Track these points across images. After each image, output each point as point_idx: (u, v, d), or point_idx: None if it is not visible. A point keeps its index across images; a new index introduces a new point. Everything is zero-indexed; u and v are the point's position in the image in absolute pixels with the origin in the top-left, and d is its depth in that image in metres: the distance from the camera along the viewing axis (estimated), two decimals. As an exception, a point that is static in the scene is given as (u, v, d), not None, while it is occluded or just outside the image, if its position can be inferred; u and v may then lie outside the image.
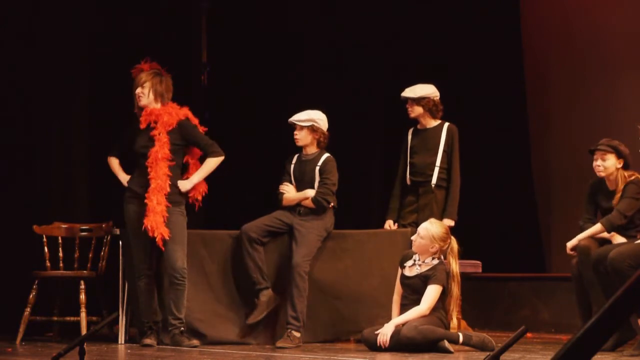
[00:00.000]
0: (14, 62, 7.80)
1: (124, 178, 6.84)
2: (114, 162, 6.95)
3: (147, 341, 6.60)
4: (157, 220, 6.53)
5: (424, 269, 6.29)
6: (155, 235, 6.52)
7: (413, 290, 6.30)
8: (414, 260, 6.35)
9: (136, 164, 6.77)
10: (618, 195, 6.35)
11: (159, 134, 6.64)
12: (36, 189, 7.87)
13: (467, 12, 9.38)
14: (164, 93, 6.75)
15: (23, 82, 7.85)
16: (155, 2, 8.63)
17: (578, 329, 7.00)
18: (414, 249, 6.36)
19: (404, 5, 9.40)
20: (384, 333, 6.13)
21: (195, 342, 6.58)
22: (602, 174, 6.41)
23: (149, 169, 6.62)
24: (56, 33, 7.96)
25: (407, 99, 7.27)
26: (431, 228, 6.33)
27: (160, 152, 6.61)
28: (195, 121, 6.80)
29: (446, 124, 7.31)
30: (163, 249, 6.56)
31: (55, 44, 7.94)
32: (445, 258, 6.40)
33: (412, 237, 6.38)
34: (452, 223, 7.14)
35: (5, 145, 7.75)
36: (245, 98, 9.05)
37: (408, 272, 6.35)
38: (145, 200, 6.57)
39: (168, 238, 6.54)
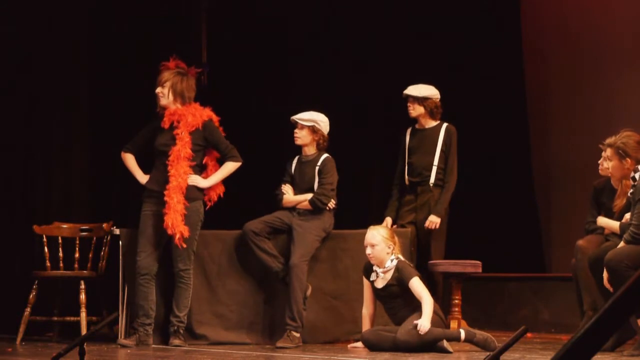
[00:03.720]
0: (13, 62, 7.80)
1: (141, 177, 6.84)
2: (130, 159, 6.93)
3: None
4: (177, 218, 6.55)
5: (389, 275, 6.28)
6: (175, 233, 6.54)
7: (393, 297, 6.28)
8: (376, 273, 6.32)
9: (155, 161, 6.79)
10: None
11: (182, 133, 6.66)
12: (36, 189, 7.88)
13: (467, 12, 9.37)
14: (185, 92, 6.75)
15: (23, 82, 7.85)
16: (155, 2, 8.63)
17: (578, 329, 6.98)
18: (373, 261, 6.29)
19: (404, 5, 9.39)
20: (423, 325, 6.01)
21: (179, 342, 6.59)
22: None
23: (169, 167, 6.65)
24: (56, 33, 7.96)
25: (409, 97, 7.26)
26: (378, 232, 6.30)
27: (182, 151, 6.64)
28: (217, 122, 6.82)
29: (444, 125, 7.32)
30: (181, 248, 6.59)
31: (55, 44, 7.94)
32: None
33: (367, 251, 6.29)
34: (437, 220, 7.12)
35: (5, 145, 7.75)
36: (245, 98, 9.04)
37: (378, 285, 6.34)
38: (165, 198, 6.59)
39: (187, 236, 6.57)
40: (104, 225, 7.29)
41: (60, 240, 7.30)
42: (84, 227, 7.40)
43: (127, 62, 8.21)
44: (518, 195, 9.42)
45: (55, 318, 7.26)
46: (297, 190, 6.94)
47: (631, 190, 6.03)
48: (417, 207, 7.24)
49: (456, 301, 7.01)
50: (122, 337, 6.73)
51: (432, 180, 7.24)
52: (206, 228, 6.93)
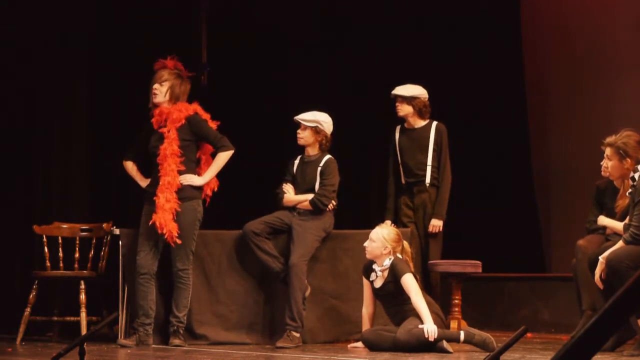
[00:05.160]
0: (14, 62, 7.80)
1: (143, 182, 6.86)
2: (131, 166, 6.95)
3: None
4: (165, 217, 6.55)
5: (386, 273, 6.29)
6: (164, 232, 6.54)
7: (391, 296, 6.30)
8: (375, 272, 6.35)
9: (151, 164, 6.80)
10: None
11: (168, 131, 6.66)
12: (36, 189, 7.88)
13: (467, 12, 9.37)
14: (180, 96, 6.77)
15: (23, 83, 7.85)
16: (156, 2, 8.63)
17: (577, 328, 6.97)
18: (367, 255, 6.35)
19: (404, 5, 9.39)
20: (431, 330, 6.01)
21: (179, 342, 6.60)
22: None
23: (159, 167, 6.64)
24: (56, 33, 7.96)
25: (397, 97, 7.28)
26: (382, 231, 6.33)
27: (168, 149, 6.63)
28: (205, 116, 6.81)
29: (434, 123, 7.33)
30: (173, 245, 6.60)
31: (55, 44, 7.94)
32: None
33: (365, 244, 6.36)
34: (440, 223, 7.17)
35: (5, 145, 7.75)
36: (245, 98, 9.04)
37: (377, 285, 6.36)
38: (154, 198, 6.59)
39: (177, 234, 6.57)
40: (104, 225, 7.29)
41: (60, 240, 7.30)
42: (84, 227, 7.40)
43: (127, 62, 8.21)
44: (518, 195, 9.42)
45: (55, 318, 7.26)
46: (298, 190, 6.94)
47: (630, 191, 6.02)
48: (414, 207, 7.26)
49: (456, 301, 7.01)
50: (122, 337, 6.73)
51: (427, 180, 7.25)
52: (206, 228, 6.93)
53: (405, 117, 7.32)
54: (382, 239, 6.28)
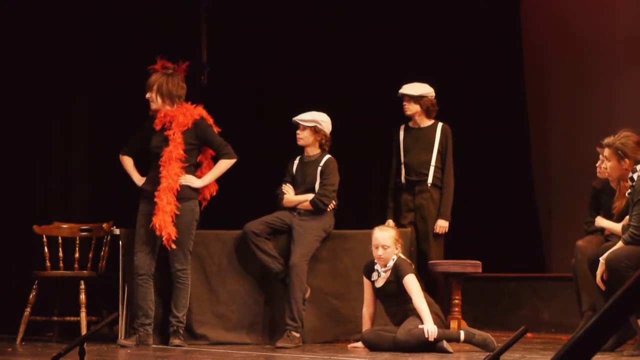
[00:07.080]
0: (14, 62, 7.80)
1: (138, 179, 6.86)
2: (128, 162, 6.94)
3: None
4: (165, 219, 6.55)
5: (389, 273, 6.29)
6: (163, 234, 6.54)
7: (392, 296, 6.29)
8: (377, 272, 6.34)
9: (151, 163, 6.79)
10: None
11: (174, 134, 6.66)
12: (36, 189, 7.88)
13: (467, 11, 9.37)
14: (172, 92, 6.73)
15: (23, 83, 7.85)
16: (155, 2, 8.63)
17: (577, 329, 6.97)
18: (380, 262, 6.30)
19: (405, 4, 9.39)
20: (431, 330, 6.02)
21: (179, 342, 6.60)
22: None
23: (161, 168, 6.64)
24: (56, 33, 7.96)
25: (404, 96, 7.27)
26: (388, 234, 6.30)
27: (174, 152, 6.63)
28: (210, 120, 6.81)
29: (440, 124, 7.32)
30: (169, 248, 6.59)
31: (55, 44, 7.94)
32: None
33: (379, 253, 6.28)
34: (446, 224, 7.18)
35: (5, 145, 7.75)
36: (245, 98, 9.05)
37: (378, 284, 6.35)
38: (155, 199, 6.59)
39: (175, 238, 6.56)
40: (104, 225, 7.28)
41: (60, 240, 7.30)
42: (84, 227, 7.40)
43: (127, 62, 8.21)
44: (518, 196, 9.42)
45: (55, 318, 7.26)
46: (299, 191, 6.94)
47: (629, 191, 6.01)
48: (415, 208, 7.25)
49: (456, 301, 7.01)
50: (122, 337, 6.73)
51: (430, 180, 7.24)
52: (206, 228, 6.93)
53: (412, 116, 7.33)
54: (394, 241, 6.27)
